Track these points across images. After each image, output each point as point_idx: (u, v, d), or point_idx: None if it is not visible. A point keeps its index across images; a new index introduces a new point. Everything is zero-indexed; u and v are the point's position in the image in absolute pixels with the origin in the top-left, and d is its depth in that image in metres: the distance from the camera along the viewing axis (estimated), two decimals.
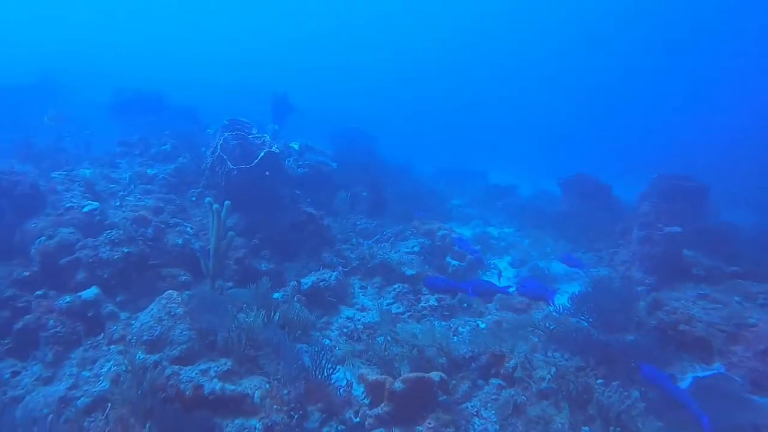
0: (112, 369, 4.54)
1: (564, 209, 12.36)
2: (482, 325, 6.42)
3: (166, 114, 15.58)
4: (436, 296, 7.02)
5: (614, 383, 3.82)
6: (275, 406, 4.13)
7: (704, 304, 5.97)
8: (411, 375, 4.18)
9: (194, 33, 52.45)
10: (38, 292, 5.43)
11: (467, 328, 6.37)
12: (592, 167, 13.34)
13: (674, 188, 8.92)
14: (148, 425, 3.39)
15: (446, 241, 9.11)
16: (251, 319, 5.00)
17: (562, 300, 6.25)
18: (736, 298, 6.04)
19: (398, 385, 4.08)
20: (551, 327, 5.55)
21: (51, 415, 3.01)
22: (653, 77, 50.76)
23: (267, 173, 7.71)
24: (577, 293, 6.43)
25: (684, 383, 4.51)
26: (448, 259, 8.66)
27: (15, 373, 4.68)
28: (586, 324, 5.82)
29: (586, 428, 3.27)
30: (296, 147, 11.22)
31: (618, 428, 3.31)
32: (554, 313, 6.04)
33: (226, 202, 5.85)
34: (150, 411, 3.52)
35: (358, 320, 6.42)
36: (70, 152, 11.32)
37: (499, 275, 8.67)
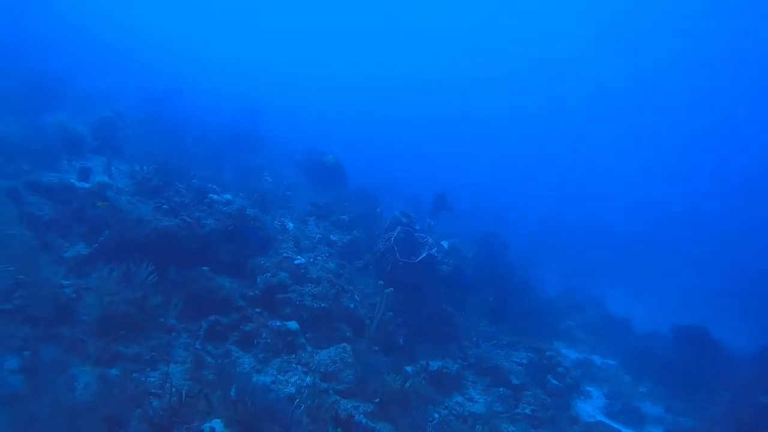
0: (297, 381, 6.75)
1: (671, 356, 12.82)
2: None
3: (345, 183, 18.76)
4: (531, 407, 8.56)
5: None
6: None
7: None
8: None
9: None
10: (257, 309, 7.92)
11: None
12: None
13: None
14: None
15: (552, 361, 10.57)
16: (392, 381, 6.98)
17: None
18: None
19: None
20: None
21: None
22: None
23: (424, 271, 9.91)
24: None
25: None
26: (549, 377, 10.11)
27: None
28: None
29: None
30: (446, 246, 13.38)
31: None
32: None
33: (390, 289, 8.02)
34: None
35: (466, 407, 8.10)
36: (269, 192, 13.56)
37: None
